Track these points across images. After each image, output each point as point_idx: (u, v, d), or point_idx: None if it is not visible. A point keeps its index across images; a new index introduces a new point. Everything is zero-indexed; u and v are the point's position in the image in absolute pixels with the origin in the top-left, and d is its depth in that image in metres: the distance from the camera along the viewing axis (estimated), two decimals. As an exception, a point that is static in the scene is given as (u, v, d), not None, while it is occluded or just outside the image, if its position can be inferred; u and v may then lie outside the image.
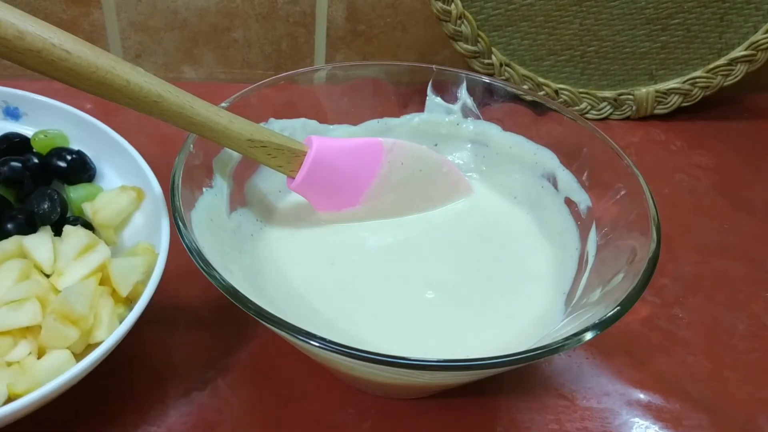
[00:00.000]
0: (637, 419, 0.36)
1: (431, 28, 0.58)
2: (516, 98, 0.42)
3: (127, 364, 0.36)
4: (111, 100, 0.30)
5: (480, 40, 0.54)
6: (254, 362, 0.36)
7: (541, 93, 0.57)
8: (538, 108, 0.41)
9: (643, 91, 0.58)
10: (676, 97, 0.58)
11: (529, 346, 0.27)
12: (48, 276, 0.32)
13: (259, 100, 0.39)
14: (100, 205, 0.37)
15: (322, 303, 0.34)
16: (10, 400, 0.27)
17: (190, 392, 0.35)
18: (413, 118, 0.43)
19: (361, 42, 0.59)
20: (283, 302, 0.34)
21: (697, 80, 0.58)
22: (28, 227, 0.35)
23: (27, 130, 0.41)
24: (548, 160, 0.40)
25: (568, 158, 0.40)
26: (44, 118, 0.41)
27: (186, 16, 0.57)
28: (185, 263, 0.30)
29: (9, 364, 0.29)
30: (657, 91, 0.58)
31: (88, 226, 0.36)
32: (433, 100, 0.43)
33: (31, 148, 0.40)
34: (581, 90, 0.58)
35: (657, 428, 0.35)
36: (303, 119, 0.41)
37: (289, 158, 0.36)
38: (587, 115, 0.59)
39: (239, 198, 0.38)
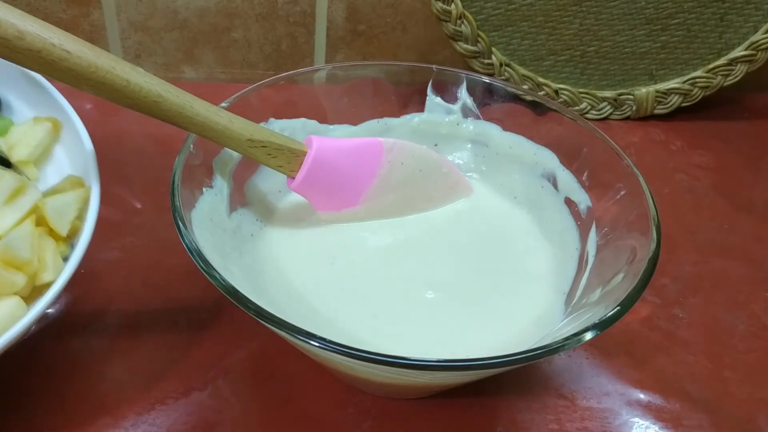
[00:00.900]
0: (637, 419, 0.36)
1: (431, 28, 0.58)
2: (516, 98, 0.42)
3: (127, 364, 0.36)
4: (111, 100, 0.30)
5: (480, 40, 0.54)
6: (254, 362, 0.36)
7: (541, 93, 0.57)
8: (538, 108, 0.41)
9: (643, 91, 0.58)
10: (676, 97, 0.58)
11: (529, 346, 0.27)
12: None
13: (259, 100, 0.39)
14: (14, 140, 0.35)
15: (322, 303, 0.34)
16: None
17: (190, 392, 0.35)
18: (413, 118, 0.43)
19: (361, 42, 0.59)
20: (283, 302, 0.34)
21: (697, 80, 0.58)
22: None
23: None
24: (548, 160, 0.40)
25: (568, 158, 0.40)
26: None
27: (186, 16, 0.57)
28: (185, 263, 0.30)
29: None
30: (657, 91, 0.58)
31: (5, 161, 0.35)
32: (433, 100, 0.43)
33: None
34: (581, 90, 0.58)
35: (657, 428, 0.35)
36: (303, 119, 0.41)
37: (289, 158, 0.36)
38: (587, 115, 0.59)
39: (239, 198, 0.38)
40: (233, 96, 0.38)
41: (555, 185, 0.40)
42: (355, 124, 0.43)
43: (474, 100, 0.43)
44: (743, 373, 0.38)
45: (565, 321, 0.33)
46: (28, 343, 0.35)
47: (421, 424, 0.34)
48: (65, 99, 0.36)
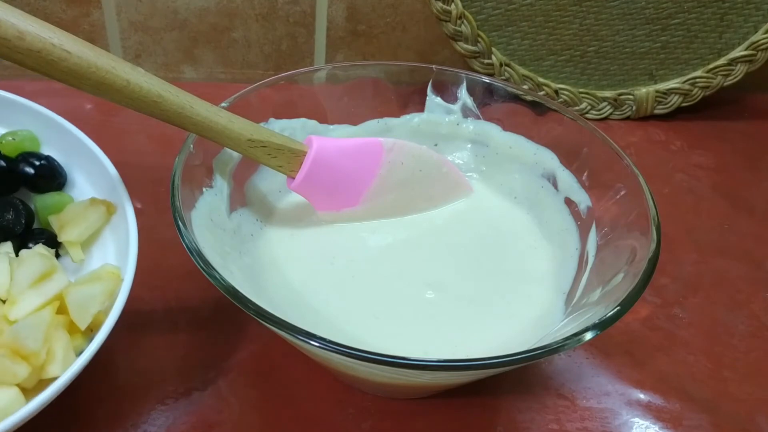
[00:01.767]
0: (637, 419, 0.36)
1: (431, 28, 0.58)
2: (516, 98, 0.42)
3: (127, 364, 0.36)
4: (111, 101, 0.30)
5: (480, 40, 0.54)
6: (254, 362, 0.36)
7: (541, 93, 0.57)
8: (538, 108, 0.41)
9: (643, 91, 0.58)
10: (676, 97, 0.58)
11: (529, 346, 0.27)
12: (3, 301, 0.31)
13: (259, 100, 0.39)
14: (68, 218, 0.35)
15: (322, 303, 0.34)
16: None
17: (190, 392, 0.35)
18: (413, 118, 0.43)
19: (361, 42, 0.59)
20: (283, 302, 0.34)
21: (697, 80, 0.58)
22: None
23: None
24: (548, 160, 0.40)
25: (568, 158, 0.40)
26: (16, 117, 0.39)
27: (186, 16, 0.57)
28: (185, 263, 0.30)
29: None
30: (657, 91, 0.58)
31: (53, 240, 0.35)
32: (433, 100, 0.43)
33: None
34: (581, 90, 0.58)
35: (657, 428, 0.35)
36: (303, 119, 0.41)
37: (289, 158, 0.36)
38: (587, 115, 0.59)
39: (239, 198, 0.38)
40: (233, 96, 0.38)
41: (555, 185, 0.40)
42: (355, 124, 0.43)
43: (474, 100, 0.43)
44: (743, 373, 0.38)
45: (565, 321, 0.33)
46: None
47: (421, 424, 0.34)
48: (123, 183, 0.35)
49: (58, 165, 0.38)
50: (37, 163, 0.37)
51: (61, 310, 0.31)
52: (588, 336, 0.27)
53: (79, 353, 0.29)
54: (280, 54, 0.59)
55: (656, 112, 0.59)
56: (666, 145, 0.57)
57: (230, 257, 0.34)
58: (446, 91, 0.43)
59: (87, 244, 0.35)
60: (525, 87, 0.56)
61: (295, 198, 0.39)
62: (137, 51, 0.58)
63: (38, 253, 0.32)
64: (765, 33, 0.56)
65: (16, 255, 0.33)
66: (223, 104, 0.36)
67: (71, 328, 0.30)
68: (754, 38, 0.56)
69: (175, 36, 0.58)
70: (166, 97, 0.31)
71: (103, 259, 0.35)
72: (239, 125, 0.34)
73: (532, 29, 0.55)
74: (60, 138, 0.38)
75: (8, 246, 0.34)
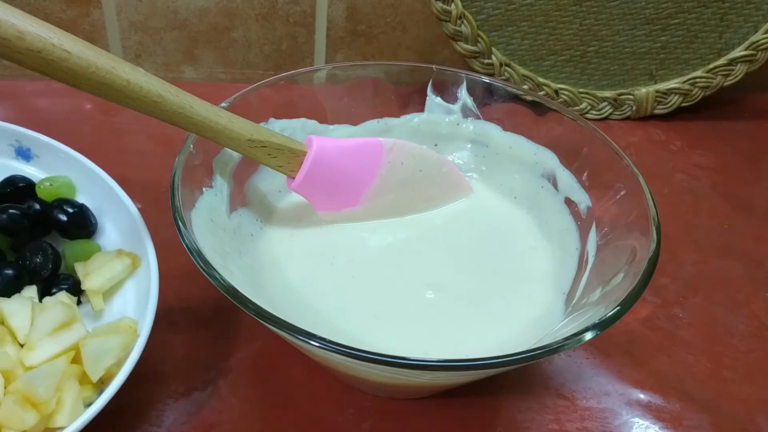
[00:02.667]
0: (637, 419, 0.36)
1: (431, 28, 0.58)
2: (516, 98, 0.42)
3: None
4: (111, 101, 0.30)
5: (480, 40, 0.54)
6: (254, 362, 0.36)
7: (541, 93, 0.57)
8: (538, 108, 0.41)
9: (643, 91, 0.58)
10: (676, 97, 0.58)
11: (529, 346, 0.27)
12: (21, 345, 0.31)
13: (259, 100, 0.39)
14: (93, 267, 0.35)
15: (322, 303, 0.34)
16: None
17: (191, 392, 0.35)
18: (413, 118, 0.43)
19: (361, 42, 0.59)
20: (283, 302, 0.34)
21: (697, 80, 0.58)
22: (16, 282, 0.34)
23: (36, 174, 0.40)
24: (548, 160, 0.40)
25: (568, 158, 0.40)
26: (55, 163, 0.40)
27: (186, 16, 0.57)
28: (185, 263, 0.30)
29: None
30: (657, 91, 0.58)
31: (77, 286, 0.36)
32: (433, 100, 0.43)
33: (36, 194, 0.39)
34: (581, 90, 0.58)
35: (657, 428, 0.35)
36: (303, 119, 0.41)
37: (289, 158, 0.36)
38: (587, 115, 0.59)
39: (239, 198, 0.38)
40: (233, 96, 0.38)
41: (555, 185, 0.40)
42: (355, 124, 0.43)
43: (474, 100, 0.43)
44: (743, 373, 0.38)
45: (565, 321, 0.33)
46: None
47: (421, 424, 0.34)
48: (150, 238, 0.35)
49: (90, 214, 0.38)
50: (71, 210, 0.37)
51: (76, 360, 0.31)
52: (588, 336, 0.27)
53: (87, 404, 0.30)
54: (280, 54, 0.59)
55: (656, 112, 0.59)
56: (666, 145, 0.57)
57: (230, 257, 0.34)
58: (446, 91, 0.43)
59: (109, 293, 0.36)
60: (525, 87, 0.56)
61: (295, 198, 0.39)
62: (137, 51, 0.58)
63: (61, 301, 0.33)
64: (765, 33, 0.56)
65: (40, 299, 0.34)
66: (223, 104, 0.36)
67: (83, 379, 0.31)
68: (754, 38, 0.56)
69: (175, 36, 0.58)
70: (166, 97, 0.31)
71: (123, 310, 0.35)
72: (239, 125, 0.34)
73: (532, 29, 0.55)
74: (93, 185, 0.39)
75: (33, 290, 0.34)
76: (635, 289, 0.29)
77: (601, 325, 0.28)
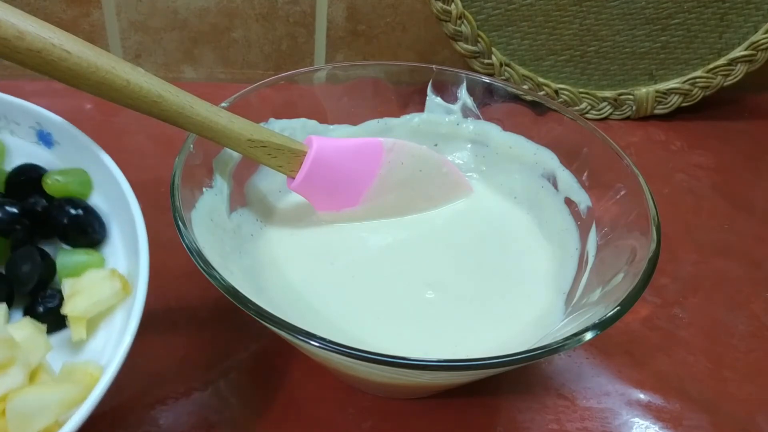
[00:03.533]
0: (637, 419, 0.36)
1: (431, 28, 0.58)
2: (516, 98, 0.42)
3: (127, 364, 0.36)
4: (111, 101, 0.30)
5: (480, 40, 0.54)
6: (254, 362, 0.36)
7: (541, 93, 0.57)
8: (538, 108, 0.41)
9: (643, 91, 0.58)
10: (676, 97, 0.58)
11: (529, 346, 0.27)
12: None
13: (259, 100, 0.39)
14: (82, 286, 0.30)
15: (322, 303, 0.34)
16: None
17: (191, 392, 0.35)
18: (413, 118, 0.43)
19: (361, 42, 0.59)
20: (283, 302, 0.34)
21: (697, 80, 0.58)
22: None
23: (54, 164, 0.34)
24: (548, 160, 0.40)
25: (568, 158, 0.40)
26: (75, 155, 0.34)
27: (186, 16, 0.57)
28: (185, 263, 0.30)
29: None
30: (657, 91, 0.58)
31: (50, 313, 0.31)
32: (433, 100, 0.43)
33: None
34: (581, 90, 0.58)
35: (657, 428, 0.35)
36: (303, 119, 0.41)
37: (289, 158, 0.36)
38: (587, 115, 0.59)
39: (239, 198, 0.38)
40: (233, 96, 0.38)
41: (555, 185, 0.40)
42: (355, 124, 0.43)
43: (474, 100, 0.43)
44: (743, 373, 0.38)
45: (565, 321, 0.33)
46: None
47: (421, 424, 0.34)
48: (148, 262, 0.30)
49: (96, 219, 0.32)
50: (73, 212, 0.32)
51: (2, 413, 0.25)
52: (588, 336, 0.27)
53: None
54: (280, 54, 0.59)
55: (656, 112, 0.59)
56: (666, 145, 0.57)
57: (230, 257, 0.34)
58: (446, 91, 0.43)
59: (96, 321, 0.30)
60: (525, 87, 0.56)
61: (295, 198, 0.39)
62: (137, 51, 0.58)
63: (9, 336, 0.27)
64: (765, 33, 0.56)
65: (28, 315, 0.30)
66: (223, 104, 0.36)
67: None
68: (754, 38, 0.56)
69: (175, 36, 0.58)
70: (166, 97, 0.31)
71: (104, 346, 0.29)
72: (239, 125, 0.34)
73: (532, 29, 0.55)
74: (111, 187, 0.33)
75: (2, 308, 0.29)
76: (635, 289, 0.29)
77: (601, 325, 0.28)
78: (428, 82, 0.43)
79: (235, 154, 0.37)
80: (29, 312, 0.30)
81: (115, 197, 0.33)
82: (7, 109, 0.34)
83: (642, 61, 0.57)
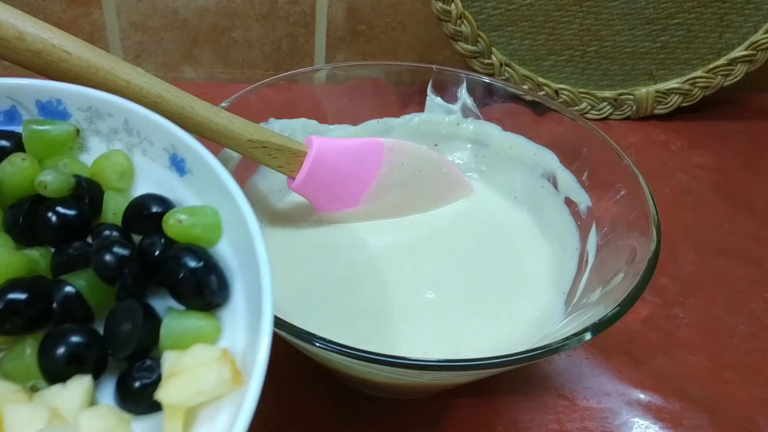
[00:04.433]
0: (637, 419, 0.36)
1: (431, 28, 0.58)
2: (516, 98, 0.42)
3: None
4: (111, 101, 0.30)
5: (480, 40, 0.54)
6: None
7: (541, 93, 0.57)
8: (538, 108, 0.41)
9: (643, 91, 0.58)
10: (676, 97, 0.58)
11: (529, 345, 0.27)
12: None
13: (258, 100, 0.39)
14: (183, 366, 0.23)
15: (322, 303, 0.34)
16: None
17: (191, 392, 0.35)
18: (413, 118, 0.43)
19: (361, 42, 0.59)
20: (283, 302, 0.34)
21: (697, 80, 0.58)
22: (76, 360, 0.23)
23: (184, 197, 0.28)
24: (548, 160, 0.40)
25: (568, 158, 0.40)
26: (207, 189, 0.27)
27: (186, 16, 0.57)
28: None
29: None
30: (657, 91, 0.58)
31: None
32: (433, 100, 0.43)
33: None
34: (581, 90, 0.58)
35: (657, 428, 0.35)
36: (303, 119, 0.41)
37: (289, 158, 0.36)
38: (587, 115, 0.59)
39: (239, 198, 0.38)
40: (233, 96, 0.38)
41: (555, 185, 0.40)
42: (355, 124, 0.43)
43: (474, 100, 0.43)
44: (743, 373, 0.38)
45: (565, 321, 0.33)
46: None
47: (421, 424, 0.34)
48: (270, 343, 0.24)
49: (217, 277, 0.25)
50: (192, 265, 0.25)
51: None
52: (588, 336, 0.27)
53: None
54: (280, 54, 0.59)
55: (656, 112, 0.59)
56: (666, 145, 0.57)
57: (230, 257, 0.34)
58: (446, 91, 0.43)
59: (192, 416, 0.23)
60: (525, 87, 0.56)
61: (295, 198, 0.39)
62: (137, 51, 0.58)
63: (101, 419, 0.22)
64: (765, 33, 0.56)
65: (121, 397, 0.24)
66: (223, 104, 0.36)
67: None
68: (754, 38, 0.56)
69: (175, 36, 0.58)
70: (166, 97, 0.31)
71: None
72: (239, 125, 0.34)
73: (532, 29, 0.55)
74: (239, 233, 0.26)
75: (84, 381, 0.23)
76: (635, 289, 0.29)
77: (601, 325, 0.28)
78: (428, 82, 0.43)
79: (235, 154, 0.37)
80: (121, 386, 0.24)
81: (245, 249, 0.25)
82: (142, 124, 0.28)
83: (642, 61, 0.57)
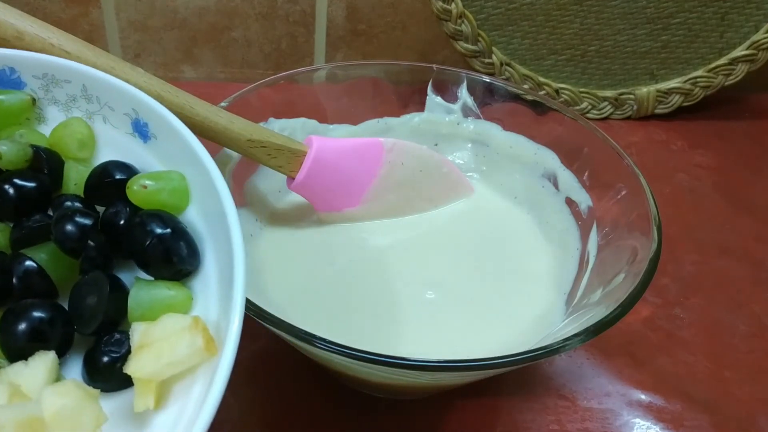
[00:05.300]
0: (638, 420, 0.36)
1: (431, 28, 0.58)
2: (516, 98, 0.42)
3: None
4: (110, 100, 0.30)
5: (480, 39, 0.54)
6: (254, 362, 0.36)
7: (542, 92, 0.57)
8: (538, 107, 0.41)
9: (644, 90, 0.58)
10: (677, 96, 0.58)
11: (530, 346, 0.27)
12: None
13: (258, 99, 0.39)
14: (153, 337, 0.22)
15: (322, 303, 0.34)
16: None
17: (190, 393, 0.34)
18: (413, 118, 0.43)
19: (361, 42, 0.59)
20: (283, 302, 0.34)
21: (698, 80, 0.58)
22: (38, 335, 0.22)
23: (149, 163, 0.27)
24: (549, 159, 0.40)
25: (568, 158, 0.40)
26: (173, 154, 0.26)
27: (185, 15, 0.56)
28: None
29: None
30: (658, 91, 0.58)
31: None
32: (433, 99, 0.43)
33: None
34: (582, 89, 0.58)
35: (658, 429, 0.35)
36: (303, 119, 0.41)
37: (289, 158, 0.36)
38: (588, 115, 0.58)
39: (239, 198, 0.38)
40: (233, 96, 0.38)
41: (556, 185, 0.40)
42: (355, 123, 0.43)
43: (474, 99, 0.43)
44: (744, 374, 0.38)
45: (565, 321, 0.33)
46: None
47: (421, 424, 0.34)
48: (242, 311, 0.23)
49: (186, 244, 0.24)
50: (158, 231, 0.23)
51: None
52: (589, 336, 0.27)
53: None
54: (280, 53, 0.59)
55: (657, 111, 0.59)
56: (667, 145, 0.57)
57: (230, 257, 0.34)
58: (446, 91, 0.43)
59: (165, 387, 0.22)
60: (525, 86, 0.56)
61: (295, 198, 0.39)
62: (136, 50, 0.58)
63: (69, 393, 0.20)
64: (766, 32, 0.56)
65: (89, 369, 0.23)
66: (222, 104, 0.36)
67: None
68: (755, 38, 0.56)
69: (174, 35, 0.58)
70: (166, 97, 0.31)
71: (176, 422, 0.21)
72: (239, 125, 0.33)
73: (533, 28, 0.55)
74: (209, 198, 0.25)
75: (47, 357, 0.22)
76: (636, 290, 0.29)
77: (602, 326, 0.28)
78: (428, 81, 0.43)
79: (235, 154, 0.36)
80: (89, 362, 0.23)
81: (215, 215, 0.25)
82: (101, 89, 0.27)
83: (643, 60, 0.57)
